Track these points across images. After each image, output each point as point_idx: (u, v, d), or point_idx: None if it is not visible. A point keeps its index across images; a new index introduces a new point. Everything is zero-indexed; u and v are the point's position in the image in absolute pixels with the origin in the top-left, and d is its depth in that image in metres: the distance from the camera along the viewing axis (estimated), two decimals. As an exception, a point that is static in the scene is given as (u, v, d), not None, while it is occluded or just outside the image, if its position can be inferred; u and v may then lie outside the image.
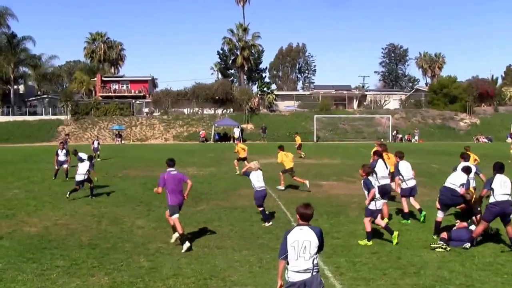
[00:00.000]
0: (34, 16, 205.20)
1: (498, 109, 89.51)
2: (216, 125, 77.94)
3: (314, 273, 7.75)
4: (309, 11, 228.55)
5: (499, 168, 13.74)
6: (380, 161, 16.94)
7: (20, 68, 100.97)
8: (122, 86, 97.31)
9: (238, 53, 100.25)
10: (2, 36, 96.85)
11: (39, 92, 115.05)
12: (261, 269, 11.94)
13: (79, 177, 22.15)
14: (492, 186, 13.38)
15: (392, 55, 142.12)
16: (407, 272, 11.58)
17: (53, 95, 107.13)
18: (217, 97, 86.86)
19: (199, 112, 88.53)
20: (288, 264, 7.84)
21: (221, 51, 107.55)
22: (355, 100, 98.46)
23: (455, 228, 14.63)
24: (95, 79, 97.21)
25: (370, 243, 13.99)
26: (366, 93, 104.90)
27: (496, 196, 13.29)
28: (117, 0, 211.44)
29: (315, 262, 7.79)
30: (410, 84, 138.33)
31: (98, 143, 44.27)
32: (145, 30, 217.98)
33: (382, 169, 16.68)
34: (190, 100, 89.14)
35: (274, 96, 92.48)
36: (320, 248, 7.90)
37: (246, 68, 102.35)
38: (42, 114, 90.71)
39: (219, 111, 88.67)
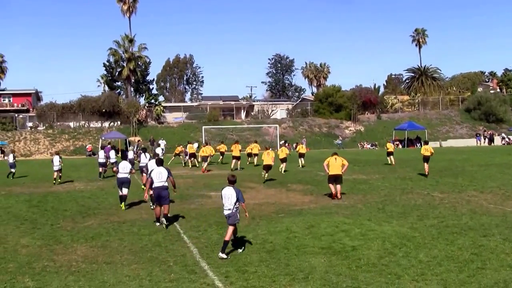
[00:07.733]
0: None
1: (381, 117, 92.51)
2: (103, 138, 76.33)
3: (233, 210, 13.81)
4: (196, 23, 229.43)
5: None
6: None
7: None
8: (3, 100, 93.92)
9: (125, 65, 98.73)
10: None
11: None
12: (151, 282, 11.80)
13: None
14: None
15: (279, 65, 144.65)
16: (295, 278, 11.75)
17: None
18: (104, 110, 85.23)
19: (85, 126, 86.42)
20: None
21: (107, 63, 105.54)
22: (242, 111, 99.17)
23: None
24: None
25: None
26: (254, 103, 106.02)
27: None
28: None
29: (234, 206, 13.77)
30: (297, 93, 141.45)
31: None
32: (28, 42, 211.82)
33: None
34: (76, 113, 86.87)
35: (161, 108, 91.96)
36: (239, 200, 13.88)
37: (133, 80, 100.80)
38: None
39: (106, 124, 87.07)
